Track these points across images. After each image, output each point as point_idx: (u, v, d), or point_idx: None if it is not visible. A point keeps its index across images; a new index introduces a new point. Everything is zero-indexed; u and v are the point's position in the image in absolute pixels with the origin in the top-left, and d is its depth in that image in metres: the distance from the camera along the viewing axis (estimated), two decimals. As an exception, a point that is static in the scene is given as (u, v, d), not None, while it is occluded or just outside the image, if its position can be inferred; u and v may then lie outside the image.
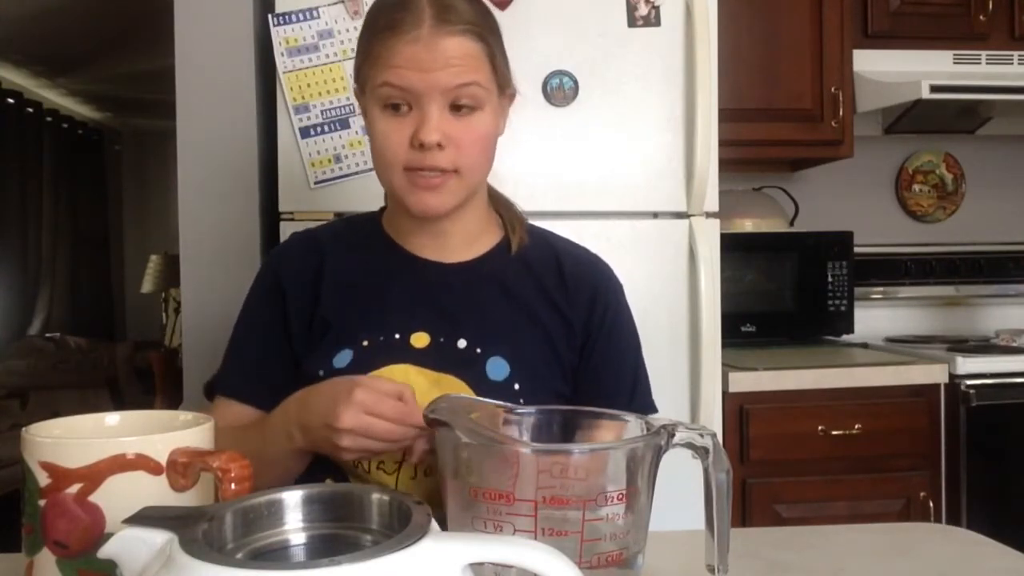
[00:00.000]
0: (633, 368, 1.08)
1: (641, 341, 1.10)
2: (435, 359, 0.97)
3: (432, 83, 0.90)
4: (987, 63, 2.40)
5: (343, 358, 0.97)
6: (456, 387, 0.95)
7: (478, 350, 0.98)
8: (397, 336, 0.98)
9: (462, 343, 0.98)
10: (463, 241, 1.04)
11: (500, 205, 1.09)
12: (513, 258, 1.05)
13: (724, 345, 1.83)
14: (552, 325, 1.02)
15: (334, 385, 0.86)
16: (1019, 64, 2.41)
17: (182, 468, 0.63)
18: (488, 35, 0.94)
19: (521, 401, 0.95)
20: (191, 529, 0.48)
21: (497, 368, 0.97)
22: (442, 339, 0.98)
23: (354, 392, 0.81)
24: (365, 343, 0.98)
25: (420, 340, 0.98)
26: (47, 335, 4.98)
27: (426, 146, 0.91)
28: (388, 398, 0.82)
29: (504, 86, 0.98)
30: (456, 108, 0.93)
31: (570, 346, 1.03)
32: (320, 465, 0.96)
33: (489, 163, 1.00)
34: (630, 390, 1.06)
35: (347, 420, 0.81)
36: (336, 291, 1.03)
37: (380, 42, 0.92)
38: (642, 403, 1.07)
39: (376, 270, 1.04)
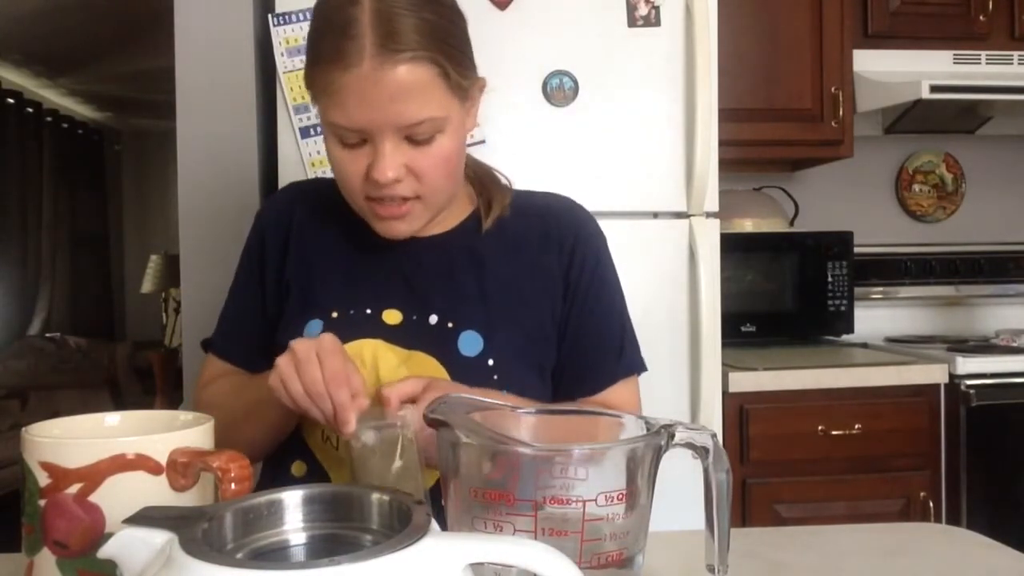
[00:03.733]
0: (619, 322, 1.04)
1: (640, 338, 1.08)
2: (407, 336, 0.95)
3: (380, 120, 0.85)
4: (987, 63, 2.40)
5: (313, 328, 0.95)
6: (426, 364, 0.93)
7: (450, 324, 0.96)
8: (368, 311, 0.96)
9: (433, 319, 0.96)
10: (435, 218, 0.99)
11: (480, 180, 1.05)
12: (487, 227, 1.01)
13: (724, 345, 1.83)
14: (532, 291, 0.99)
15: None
16: (1019, 64, 2.41)
17: (182, 468, 0.63)
18: (438, 52, 0.85)
19: (495, 377, 0.93)
20: (191, 529, 0.48)
21: (470, 343, 0.95)
22: (414, 316, 0.96)
23: (324, 336, 0.81)
24: (334, 315, 0.96)
25: (392, 317, 0.96)
26: (47, 335, 4.98)
27: (381, 183, 0.87)
28: (339, 359, 0.79)
29: (465, 93, 0.91)
30: (412, 139, 0.87)
31: (553, 308, 1.00)
32: (289, 447, 0.96)
33: (457, 176, 0.95)
34: (619, 345, 1.02)
35: (299, 345, 0.80)
36: (301, 256, 1.01)
37: (323, 74, 0.85)
38: (631, 360, 1.03)
39: (345, 241, 1.01)
